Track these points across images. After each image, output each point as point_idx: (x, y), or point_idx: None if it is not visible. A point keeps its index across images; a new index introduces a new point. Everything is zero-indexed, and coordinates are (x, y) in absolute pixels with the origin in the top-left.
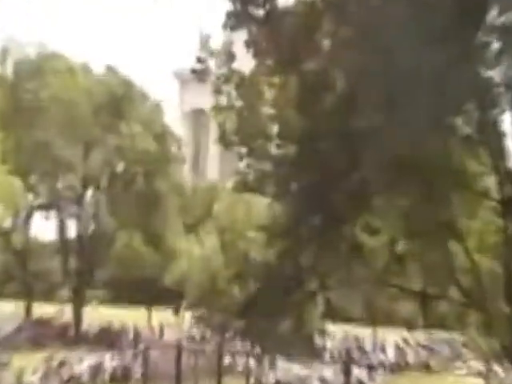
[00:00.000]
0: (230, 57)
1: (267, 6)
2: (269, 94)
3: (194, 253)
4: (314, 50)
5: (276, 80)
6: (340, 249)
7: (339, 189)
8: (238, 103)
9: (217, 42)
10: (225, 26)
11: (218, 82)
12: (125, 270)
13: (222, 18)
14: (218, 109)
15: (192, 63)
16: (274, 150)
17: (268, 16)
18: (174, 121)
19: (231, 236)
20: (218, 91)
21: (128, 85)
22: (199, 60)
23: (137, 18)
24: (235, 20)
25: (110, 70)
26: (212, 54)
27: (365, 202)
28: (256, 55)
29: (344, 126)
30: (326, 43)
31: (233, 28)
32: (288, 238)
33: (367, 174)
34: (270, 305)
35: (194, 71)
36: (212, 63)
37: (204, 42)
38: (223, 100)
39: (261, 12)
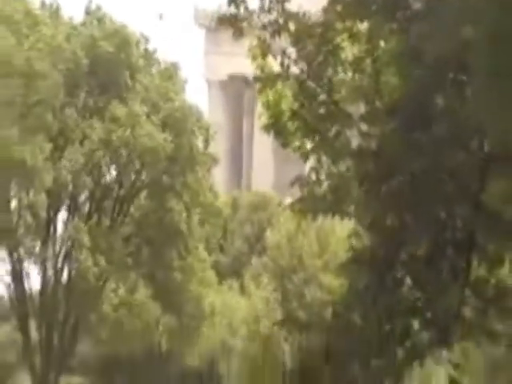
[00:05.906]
0: None
1: None
2: (350, 50)
3: (236, 310)
4: None
5: (362, 27)
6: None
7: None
8: (299, 68)
9: None
10: None
11: (266, 35)
12: (119, 344)
13: None
14: (265, 79)
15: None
16: (358, 139)
17: None
18: (198, 96)
19: (295, 281)
20: (264, 50)
21: (124, 38)
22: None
23: None
24: None
25: (94, 13)
26: None
27: None
28: None
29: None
30: None
31: None
32: (376, 269)
33: None
34: None
35: (222, 19)
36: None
37: None
38: (274, 64)
39: None
